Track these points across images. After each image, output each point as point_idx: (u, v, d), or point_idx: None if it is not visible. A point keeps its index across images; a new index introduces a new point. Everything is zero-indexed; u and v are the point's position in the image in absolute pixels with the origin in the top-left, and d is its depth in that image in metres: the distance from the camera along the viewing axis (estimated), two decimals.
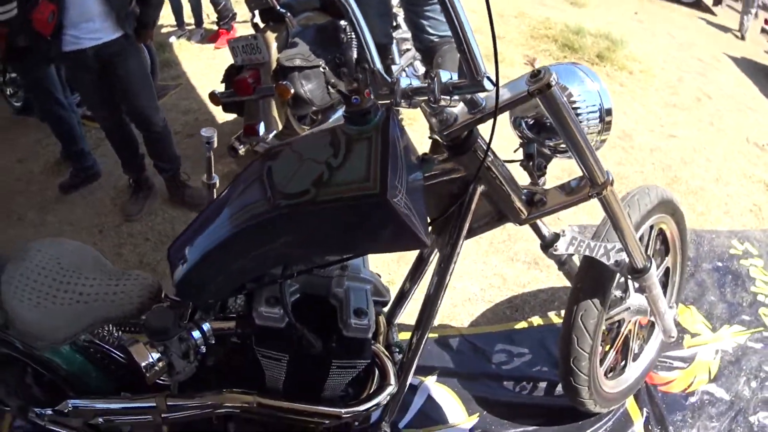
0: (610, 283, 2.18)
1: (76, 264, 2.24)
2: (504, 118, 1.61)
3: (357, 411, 1.91)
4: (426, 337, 2.02)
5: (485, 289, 3.28)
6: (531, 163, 1.83)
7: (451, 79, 1.50)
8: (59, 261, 2.23)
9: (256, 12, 4.39)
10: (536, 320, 3.09)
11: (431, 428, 2.66)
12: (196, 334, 1.86)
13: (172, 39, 7.45)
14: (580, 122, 1.68)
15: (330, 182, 1.47)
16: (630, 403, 2.70)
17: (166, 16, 6.63)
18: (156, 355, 1.86)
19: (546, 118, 1.72)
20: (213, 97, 4.11)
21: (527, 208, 1.87)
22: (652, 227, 2.43)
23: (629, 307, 2.38)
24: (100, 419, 2.21)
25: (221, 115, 5.34)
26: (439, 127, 1.66)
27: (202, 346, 1.88)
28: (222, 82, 4.38)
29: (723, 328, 3.02)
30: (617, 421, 2.64)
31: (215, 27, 7.49)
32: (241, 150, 4.04)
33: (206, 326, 1.88)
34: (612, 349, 2.52)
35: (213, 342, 1.90)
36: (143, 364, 1.86)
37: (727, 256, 3.50)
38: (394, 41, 4.55)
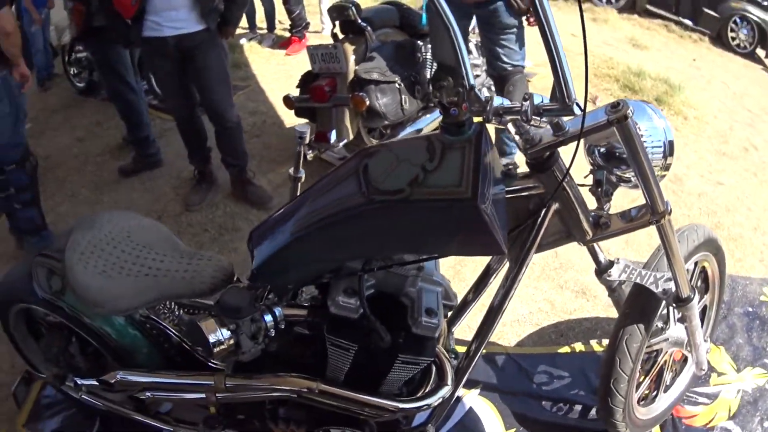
0: (655, 311, 2.26)
1: (148, 240, 2.27)
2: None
3: (412, 407, 1.96)
4: (484, 346, 2.09)
5: (534, 312, 3.36)
6: (599, 189, 1.92)
7: (542, 102, 1.63)
8: (129, 234, 2.26)
9: (337, 23, 4.42)
10: (579, 346, 3.16)
11: None
12: (268, 317, 1.91)
13: (243, 41, 7.56)
14: None
15: (424, 184, 1.55)
16: None
17: None
18: (227, 333, 1.90)
19: (617, 148, 1.85)
20: (287, 100, 4.20)
21: (593, 229, 1.96)
22: (696, 264, 2.51)
23: (668, 338, 2.44)
24: (148, 393, 2.23)
25: (289, 120, 5.43)
26: (524, 145, 1.78)
27: (272, 330, 1.93)
28: (297, 87, 4.46)
29: (746, 369, 3.06)
30: None
31: (287, 34, 7.59)
32: (310, 155, 3.98)
33: (278, 311, 1.93)
34: (647, 378, 2.58)
35: (282, 327, 1.95)
36: (212, 339, 1.89)
37: (758, 302, 3.53)
38: None
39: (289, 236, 1.79)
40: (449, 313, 2.14)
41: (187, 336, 2.15)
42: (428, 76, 4.47)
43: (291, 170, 2.54)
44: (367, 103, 3.90)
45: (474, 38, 4.81)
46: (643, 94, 6.28)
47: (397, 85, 4.11)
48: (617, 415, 2.40)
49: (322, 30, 7.53)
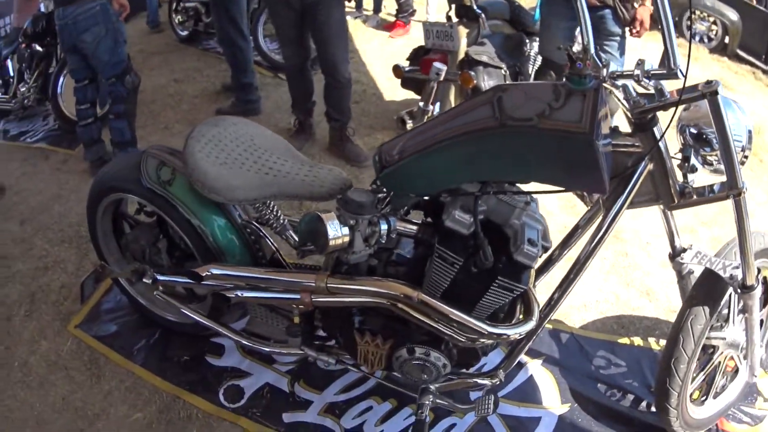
0: (721, 296, 2.36)
1: (270, 146, 2.39)
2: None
3: (500, 332, 2.05)
4: (567, 294, 2.25)
5: (600, 301, 3.49)
6: (686, 165, 2.08)
7: (651, 67, 1.90)
8: (253, 138, 2.38)
9: (453, 6, 4.63)
10: (637, 340, 3.26)
11: (526, 404, 2.85)
12: (384, 224, 2.05)
13: (348, 18, 7.72)
14: None
15: (550, 116, 1.75)
16: None
17: None
18: (345, 229, 2.01)
19: (704, 130, 2.04)
20: (397, 69, 4.35)
21: (678, 197, 2.13)
22: (759, 270, 2.50)
23: (725, 338, 2.53)
24: (237, 292, 2.30)
25: (389, 93, 5.64)
26: (630, 106, 1.97)
27: (383, 237, 2.07)
28: (407, 59, 4.65)
29: None
30: None
31: (391, 18, 7.77)
32: (409, 124, 4.20)
33: (393, 220, 2.08)
34: (702, 373, 2.63)
35: (393, 236, 2.12)
36: (330, 231, 1.99)
37: None
38: None
39: (418, 150, 1.95)
40: (543, 256, 2.20)
41: (304, 227, 2.14)
42: (530, 71, 4.67)
43: (421, 102, 2.73)
44: (475, 82, 4.01)
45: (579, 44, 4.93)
46: None
47: (503, 72, 4.26)
48: (672, 399, 2.46)
49: (426, 20, 7.64)
